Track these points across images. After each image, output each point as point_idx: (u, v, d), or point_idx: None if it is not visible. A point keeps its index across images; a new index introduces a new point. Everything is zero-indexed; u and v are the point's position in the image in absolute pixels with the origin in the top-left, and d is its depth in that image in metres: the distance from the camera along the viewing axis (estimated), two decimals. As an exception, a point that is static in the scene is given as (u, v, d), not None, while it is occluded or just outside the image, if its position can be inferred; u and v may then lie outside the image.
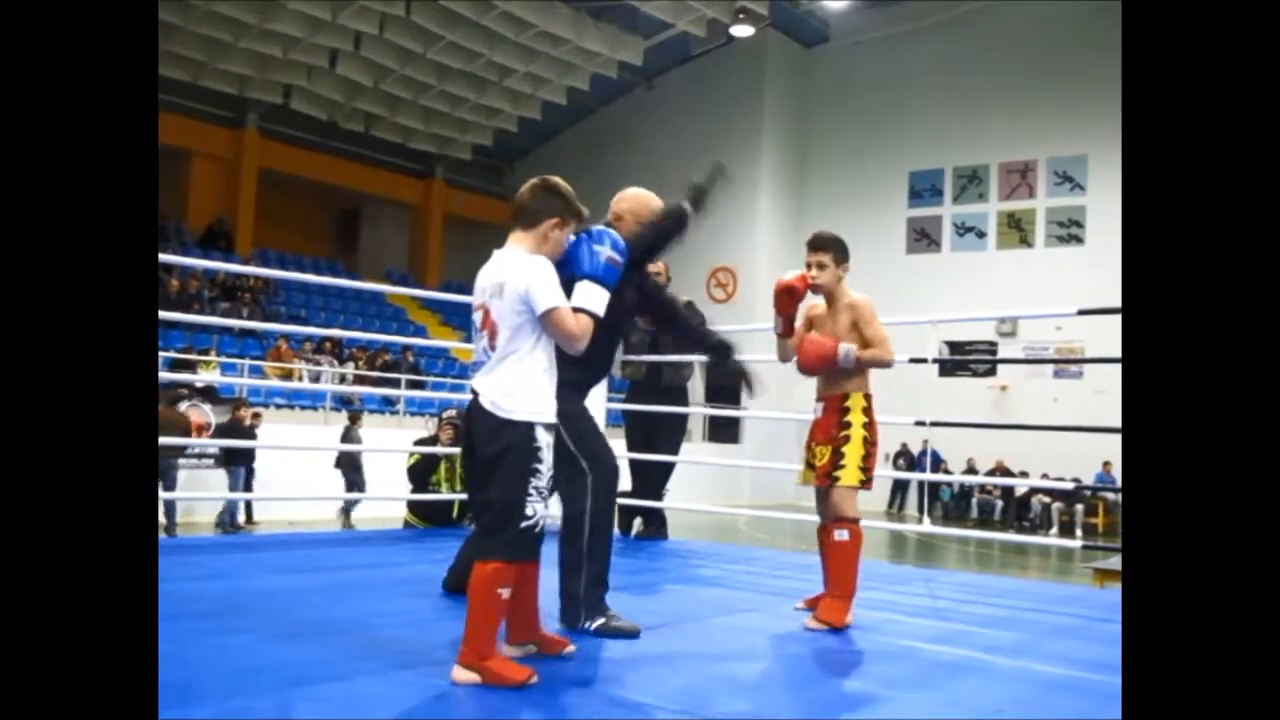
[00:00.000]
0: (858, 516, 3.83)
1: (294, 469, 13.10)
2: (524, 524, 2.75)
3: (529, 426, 2.77)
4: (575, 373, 3.34)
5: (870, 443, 3.86)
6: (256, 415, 14.19)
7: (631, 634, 3.39)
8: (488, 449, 2.81)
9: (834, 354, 3.81)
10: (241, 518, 13.39)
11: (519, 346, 2.79)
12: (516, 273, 2.80)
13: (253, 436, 13.36)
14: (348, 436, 14.19)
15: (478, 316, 2.87)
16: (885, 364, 3.90)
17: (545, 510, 2.80)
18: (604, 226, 3.06)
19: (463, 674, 2.71)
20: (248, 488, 13.20)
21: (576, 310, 2.82)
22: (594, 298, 2.86)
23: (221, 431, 13.47)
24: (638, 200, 3.69)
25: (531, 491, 2.75)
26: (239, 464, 13.23)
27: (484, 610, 2.73)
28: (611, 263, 2.92)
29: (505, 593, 2.75)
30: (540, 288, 2.77)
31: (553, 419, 2.84)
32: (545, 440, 2.80)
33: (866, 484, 3.87)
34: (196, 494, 13.56)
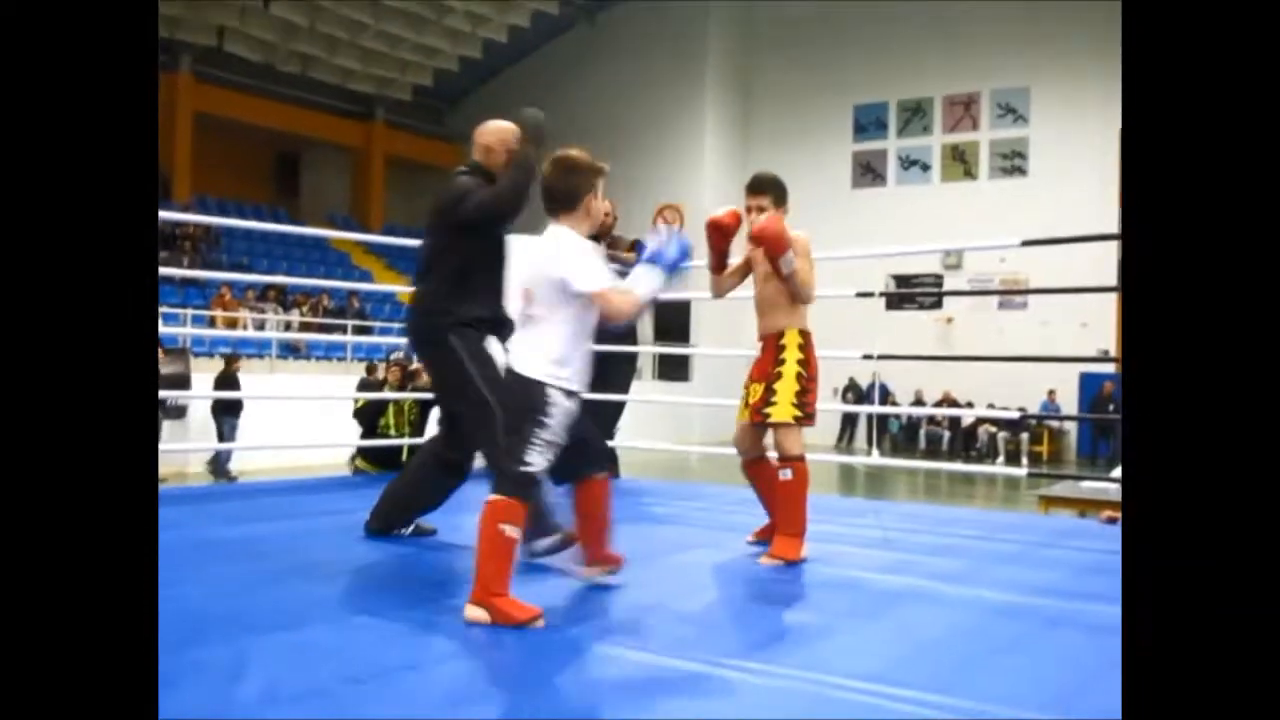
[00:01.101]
0: (802, 453, 3.84)
1: (269, 419, 13.01)
2: (522, 469, 2.89)
3: (542, 386, 2.92)
4: (481, 310, 3.81)
5: (806, 378, 3.87)
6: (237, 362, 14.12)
7: (429, 533, 4.13)
8: (509, 398, 3.07)
9: (786, 246, 3.78)
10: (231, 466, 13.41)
11: (549, 315, 2.96)
12: (559, 256, 2.96)
13: (238, 385, 13.34)
14: (364, 386, 14.07)
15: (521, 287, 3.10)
16: (805, 297, 3.93)
17: (545, 466, 2.94)
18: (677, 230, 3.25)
19: (473, 611, 2.81)
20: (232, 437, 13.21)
21: (624, 292, 2.97)
22: (648, 283, 3.01)
23: (170, 383, 13.36)
24: (500, 130, 3.97)
25: (536, 443, 2.90)
26: (234, 414, 13.24)
27: (488, 546, 2.82)
28: (677, 262, 3.08)
29: (510, 530, 2.83)
30: (583, 273, 2.92)
31: (571, 385, 2.97)
32: (558, 401, 2.93)
33: (806, 420, 3.88)
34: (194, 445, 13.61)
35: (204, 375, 13.90)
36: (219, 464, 13.13)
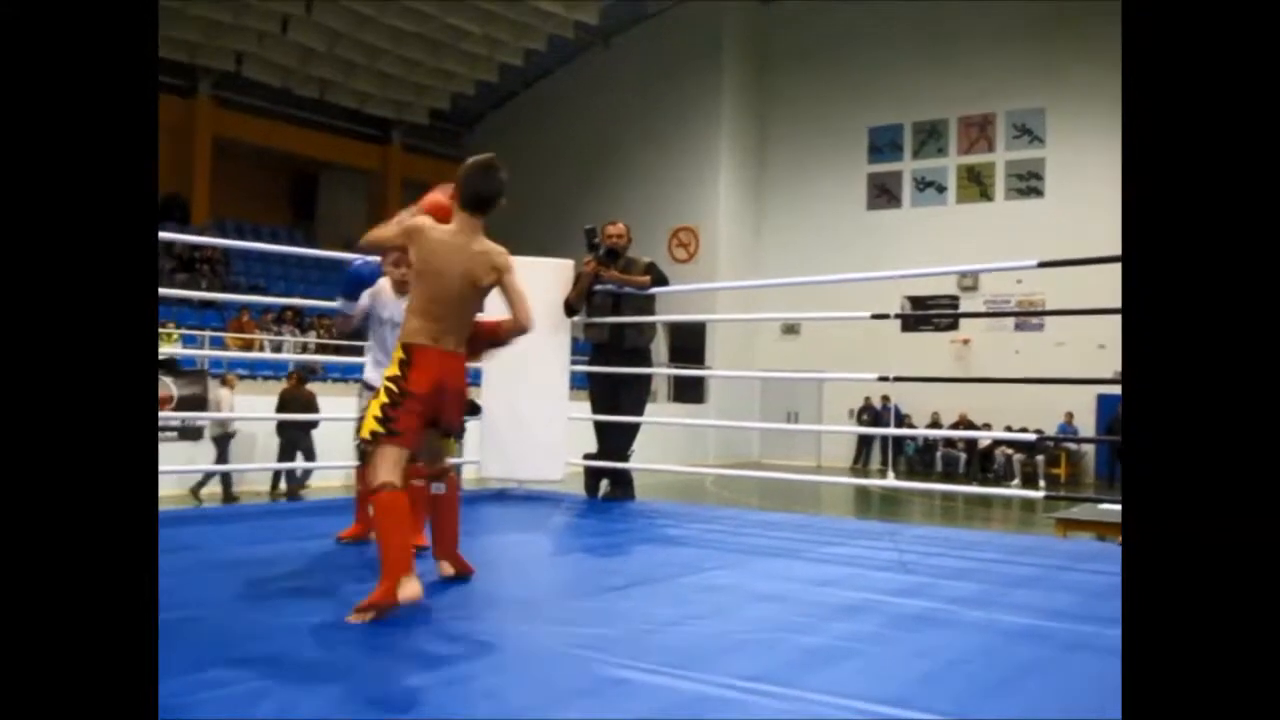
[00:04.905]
0: (385, 481, 3.29)
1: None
2: None
3: None
4: None
5: (394, 392, 3.38)
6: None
7: None
8: None
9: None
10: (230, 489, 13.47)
11: None
12: None
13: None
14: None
15: None
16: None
17: None
18: None
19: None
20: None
21: None
22: None
23: (187, 404, 13.44)
24: None
25: None
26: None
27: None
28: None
29: None
30: None
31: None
32: None
33: (388, 437, 3.35)
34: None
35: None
36: (225, 486, 13.23)
